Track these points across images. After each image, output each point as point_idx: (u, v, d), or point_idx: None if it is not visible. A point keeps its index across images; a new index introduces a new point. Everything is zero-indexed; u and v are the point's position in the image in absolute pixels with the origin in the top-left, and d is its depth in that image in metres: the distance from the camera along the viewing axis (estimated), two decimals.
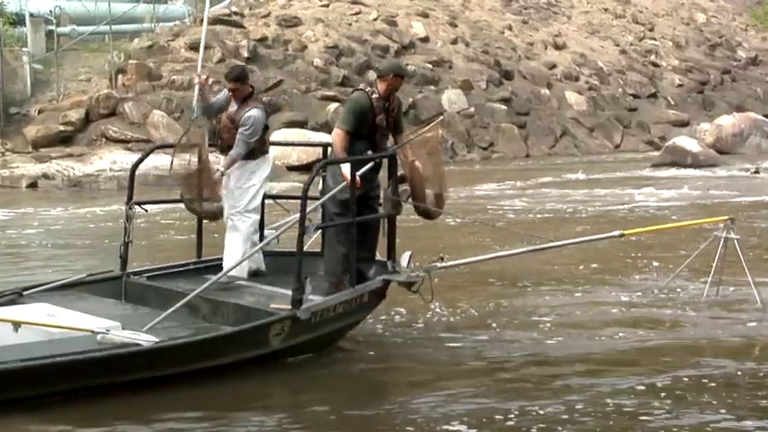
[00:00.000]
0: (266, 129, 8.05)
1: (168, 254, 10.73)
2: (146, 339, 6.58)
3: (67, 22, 31.15)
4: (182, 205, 8.20)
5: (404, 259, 7.76)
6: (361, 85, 7.75)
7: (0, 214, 16.72)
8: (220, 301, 7.52)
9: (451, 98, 30.13)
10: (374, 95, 7.58)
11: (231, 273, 7.82)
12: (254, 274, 8.12)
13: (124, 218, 8.10)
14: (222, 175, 8.00)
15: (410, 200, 7.78)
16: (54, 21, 29.92)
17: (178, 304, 7.24)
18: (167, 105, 25.12)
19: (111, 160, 22.78)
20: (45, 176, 21.77)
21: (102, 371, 6.38)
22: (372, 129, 7.62)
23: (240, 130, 7.92)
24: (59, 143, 24.28)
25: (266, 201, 8.40)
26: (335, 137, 7.60)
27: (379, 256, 8.00)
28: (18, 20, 30.21)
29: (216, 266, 8.18)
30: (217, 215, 8.08)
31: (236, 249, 7.92)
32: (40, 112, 25.59)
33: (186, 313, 7.43)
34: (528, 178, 22.68)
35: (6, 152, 24.10)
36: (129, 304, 7.83)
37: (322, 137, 21.47)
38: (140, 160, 8.63)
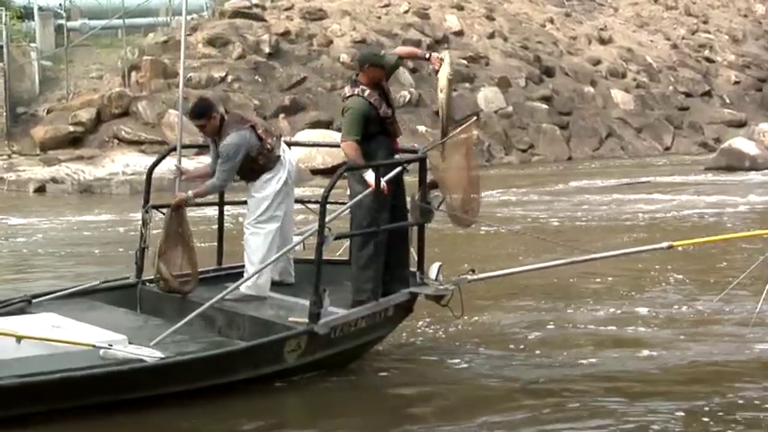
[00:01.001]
0: (261, 140, 7.93)
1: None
2: (150, 355, 6.61)
3: (78, 16, 31.48)
4: (202, 209, 8.25)
5: (432, 271, 7.76)
6: (347, 89, 7.81)
7: (10, 220, 16.89)
8: (236, 313, 7.55)
9: (488, 97, 30.13)
10: (367, 92, 7.67)
11: (248, 291, 7.87)
12: (279, 285, 8.16)
13: (140, 222, 8.17)
14: (192, 198, 8.03)
15: (441, 207, 7.78)
16: (64, 14, 30.24)
17: (184, 320, 7.25)
18: (184, 105, 25.20)
19: (124, 163, 22.96)
20: (53, 180, 21.96)
21: (103, 388, 6.42)
22: (381, 122, 7.74)
23: (218, 161, 7.94)
24: (69, 145, 24.52)
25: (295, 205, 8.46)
26: (348, 150, 7.64)
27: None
28: (26, 14, 30.56)
29: (237, 274, 8.21)
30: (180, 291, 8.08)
31: (249, 265, 7.95)
32: (48, 111, 25.85)
33: (202, 325, 7.48)
34: (570, 183, 22.60)
35: (13, 154, 24.37)
36: (141, 315, 7.88)
37: None
38: (157, 162, 8.66)
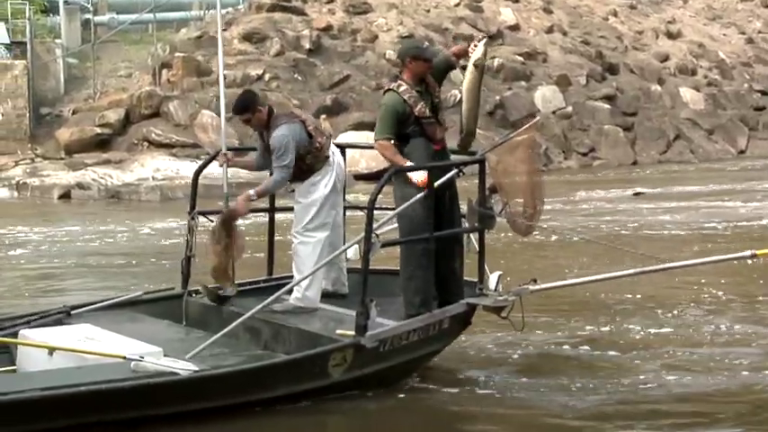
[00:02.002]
0: (311, 137, 7.98)
1: (237, 271, 10.88)
2: (184, 368, 6.68)
3: (106, 10, 31.77)
4: (250, 216, 8.35)
5: (492, 281, 7.77)
6: (384, 81, 7.82)
7: (36, 229, 17.06)
8: (282, 326, 7.60)
9: (546, 96, 30.03)
10: (402, 88, 7.66)
11: (297, 303, 7.92)
12: (332, 296, 8.26)
13: (186, 229, 8.26)
14: (254, 197, 8.08)
15: (502, 213, 7.79)
16: (91, 8, 30.52)
17: (221, 332, 7.33)
18: (218, 105, 25.34)
19: (154, 167, 23.13)
20: (79, 186, 22.15)
21: (132, 402, 6.47)
22: (417, 122, 7.72)
23: (273, 158, 7.98)
24: (95, 148, 24.72)
25: (347, 211, 8.52)
26: (381, 150, 7.66)
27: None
28: (50, 7, 30.88)
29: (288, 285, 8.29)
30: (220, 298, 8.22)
31: (297, 276, 7.99)
32: (74, 112, 26.11)
33: (247, 339, 7.57)
34: (635, 188, 22.46)
35: (36, 158, 24.62)
36: (183, 327, 7.98)
37: None
38: (204, 165, 8.72)
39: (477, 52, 7.60)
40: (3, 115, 25.16)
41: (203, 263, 8.24)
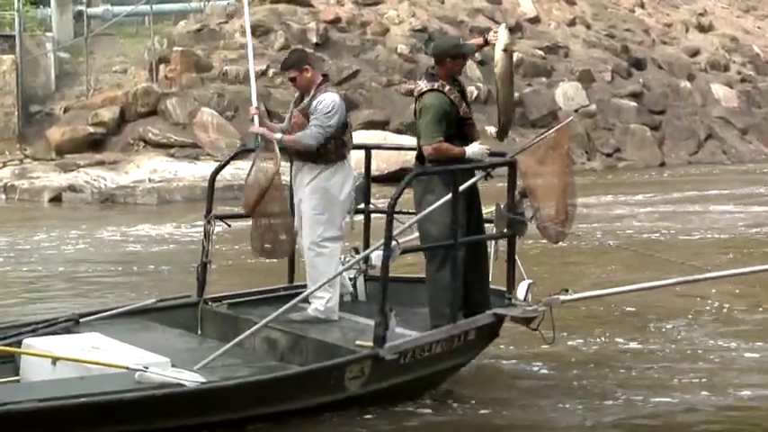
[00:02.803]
0: (345, 126, 8.15)
1: (255, 278, 10.96)
2: (191, 379, 6.69)
3: (100, 2, 31.78)
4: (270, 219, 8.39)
5: (521, 290, 7.80)
6: (422, 83, 7.84)
7: (25, 235, 17.06)
8: (300, 336, 7.65)
9: (568, 93, 29.97)
10: (447, 88, 7.72)
11: (316, 314, 7.97)
12: (346, 304, 8.27)
13: (202, 234, 8.36)
14: (281, 141, 8.10)
15: (533, 219, 7.84)
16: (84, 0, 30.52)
17: (231, 343, 7.38)
18: (219, 102, 25.44)
19: (151, 169, 23.12)
20: (71, 189, 22.15)
21: (134, 415, 6.50)
22: (459, 124, 7.76)
23: (316, 114, 7.99)
24: (88, 148, 24.72)
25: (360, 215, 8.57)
26: (440, 152, 7.68)
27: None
28: None
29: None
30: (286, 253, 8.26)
31: (312, 286, 8.05)
32: (65, 110, 26.11)
33: (264, 350, 7.65)
34: (665, 192, 22.43)
35: (26, 159, 24.62)
36: (195, 336, 8.05)
37: (407, 140, 21.51)
38: (222, 166, 8.88)
39: (501, 38, 7.76)
40: None
41: (220, 269, 8.29)
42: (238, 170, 22.93)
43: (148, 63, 26.96)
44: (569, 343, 9.21)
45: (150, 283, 12.64)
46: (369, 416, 7.25)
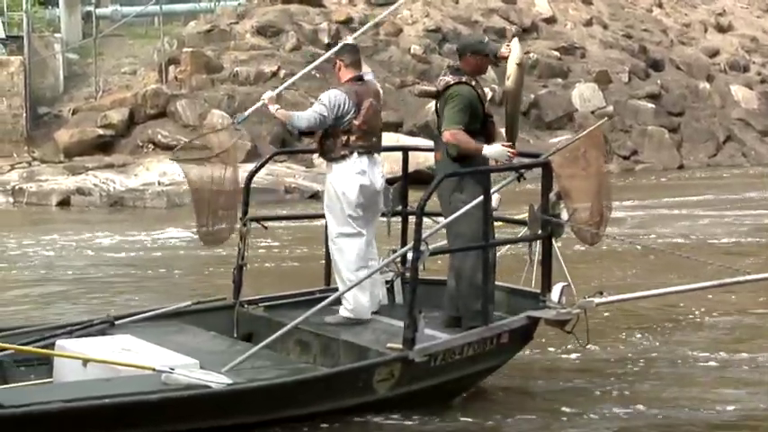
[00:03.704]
0: (349, 128, 8.14)
1: (292, 281, 11.03)
2: (217, 381, 6.76)
3: (109, 2, 31.86)
4: (306, 222, 8.51)
5: (555, 293, 7.82)
6: (449, 77, 7.91)
7: (36, 238, 17.11)
8: (332, 339, 7.74)
9: (584, 94, 29.93)
10: (473, 82, 7.84)
11: (347, 315, 8.06)
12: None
13: (238, 236, 8.41)
14: (274, 113, 8.40)
15: (566, 220, 7.87)
16: (92, 0, 30.59)
17: (260, 345, 7.45)
18: (229, 104, 25.44)
19: (160, 172, 23.13)
20: (79, 192, 22.20)
21: (162, 416, 6.58)
22: (484, 120, 7.90)
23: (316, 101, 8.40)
24: (97, 151, 24.77)
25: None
26: (458, 136, 7.78)
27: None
28: None
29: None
30: (220, 239, 8.43)
31: (341, 285, 8.15)
32: (74, 112, 26.16)
33: (297, 352, 7.76)
34: (685, 195, 22.37)
35: (33, 162, 24.67)
36: (228, 339, 8.09)
37: (421, 142, 21.49)
38: (258, 169, 8.93)
39: (515, 51, 7.80)
40: None
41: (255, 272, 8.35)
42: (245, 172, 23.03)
43: (158, 64, 26.99)
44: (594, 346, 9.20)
45: (164, 288, 12.73)
46: (394, 420, 7.26)
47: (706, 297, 11.12)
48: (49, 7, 30.76)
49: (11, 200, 22.53)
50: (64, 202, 21.92)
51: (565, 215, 7.90)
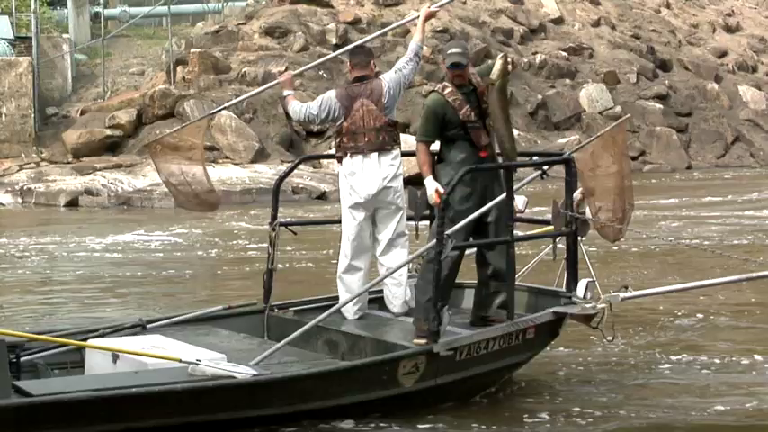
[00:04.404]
0: (340, 130, 8.28)
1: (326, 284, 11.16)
2: (243, 372, 6.87)
3: (117, 3, 31.98)
4: (338, 227, 8.60)
5: (580, 288, 7.89)
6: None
7: (54, 238, 17.19)
8: (359, 336, 7.84)
9: (592, 95, 29.97)
10: (447, 90, 7.81)
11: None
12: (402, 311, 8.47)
13: (268, 241, 8.53)
14: (283, 96, 8.63)
15: (588, 216, 7.93)
16: (101, 1, 30.71)
17: (286, 340, 7.53)
18: (237, 104, 25.50)
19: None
20: (87, 192, 22.29)
21: (188, 406, 6.70)
22: (463, 126, 7.86)
23: None
24: (105, 151, 24.88)
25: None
26: (417, 152, 7.91)
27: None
28: (57, 0, 31.11)
29: (379, 299, 8.52)
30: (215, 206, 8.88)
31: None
32: (82, 113, 26.27)
33: (326, 351, 7.86)
34: (693, 196, 22.37)
35: (42, 162, 24.77)
36: (258, 340, 8.19)
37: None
38: (287, 174, 9.07)
39: (495, 69, 7.63)
40: (6, 116, 25.34)
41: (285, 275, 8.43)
42: (256, 173, 23.13)
43: (166, 65, 27.09)
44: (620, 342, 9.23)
45: (174, 289, 12.78)
46: (418, 415, 7.36)
47: (723, 297, 11.10)
48: (58, 8, 30.88)
49: (19, 200, 22.67)
50: (72, 203, 22.01)
51: (588, 213, 7.96)
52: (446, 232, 7.29)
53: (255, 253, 14.79)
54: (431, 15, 8.61)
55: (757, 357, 9.15)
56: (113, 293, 12.63)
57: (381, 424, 7.14)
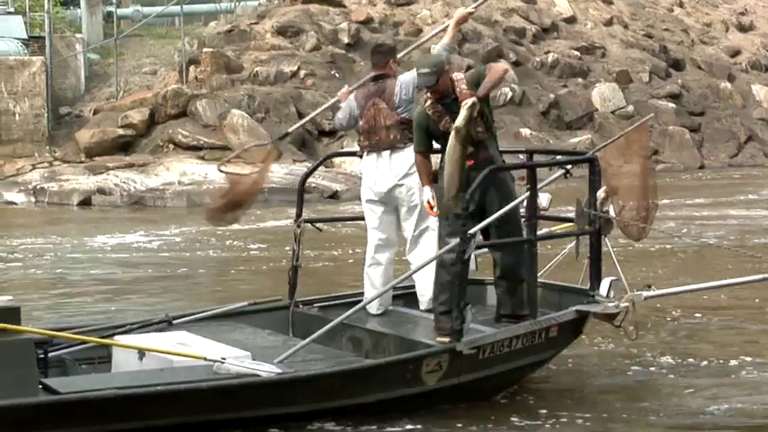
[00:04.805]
0: (358, 131, 8.37)
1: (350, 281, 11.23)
2: (268, 370, 6.95)
3: (130, 2, 32.08)
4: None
5: (603, 287, 7.92)
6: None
7: (66, 238, 17.25)
8: (382, 334, 7.92)
9: (604, 94, 29.95)
10: (428, 102, 7.85)
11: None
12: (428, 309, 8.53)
13: (292, 238, 8.59)
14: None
15: (612, 215, 7.98)
16: (114, 0, 30.80)
17: (311, 338, 7.59)
18: (249, 104, 25.58)
19: (181, 171, 23.30)
20: (100, 191, 22.37)
21: (212, 404, 6.79)
22: (444, 137, 7.87)
23: None
24: (118, 150, 24.95)
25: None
26: (416, 159, 8.01)
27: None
28: None
29: (404, 295, 8.61)
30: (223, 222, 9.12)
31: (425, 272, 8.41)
32: (95, 112, 26.36)
33: (350, 348, 7.94)
34: (714, 196, 22.31)
35: (55, 161, 24.87)
36: (283, 336, 8.27)
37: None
38: (311, 171, 9.21)
39: (459, 116, 7.54)
40: (19, 115, 25.43)
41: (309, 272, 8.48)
42: (269, 173, 23.14)
43: (178, 64, 27.16)
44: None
45: (189, 287, 12.85)
46: (440, 414, 7.42)
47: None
48: (71, 8, 30.99)
49: (32, 199, 22.77)
50: (85, 202, 22.09)
51: (612, 211, 8.01)
52: (469, 231, 7.34)
53: (265, 253, 14.84)
54: (464, 19, 8.61)
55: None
56: (130, 292, 12.70)
57: (402, 422, 7.20)
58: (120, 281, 13.46)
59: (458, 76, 7.86)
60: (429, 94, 7.87)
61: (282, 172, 22.94)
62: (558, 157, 8.32)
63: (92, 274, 13.94)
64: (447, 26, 8.51)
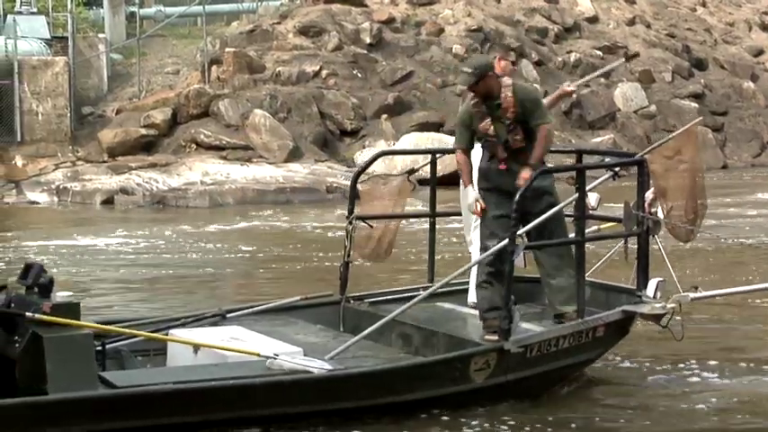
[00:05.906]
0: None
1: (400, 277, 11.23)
2: (319, 367, 7.07)
3: (152, 2, 32.15)
4: (413, 220, 8.77)
5: (650, 287, 7.94)
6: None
7: (98, 238, 17.29)
8: (432, 331, 7.98)
9: (627, 94, 29.88)
10: (473, 101, 7.89)
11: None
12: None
13: (344, 234, 8.71)
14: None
15: (661, 217, 8.01)
16: (136, 0, 30.88)
17: (361, 335, 7.69)
18: (271, 104, 25.61)
19: (203, 171, 23.34)
20: (123, 191, 22.43)
21: (265, 400, 6.90)
22: (483, 139, 7.97)
23: None
24: (140, 150, 25.01)
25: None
26: (457, 161, 8.04)
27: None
28: (93, 0, 31.31)
29: (450, 292, 8.70)
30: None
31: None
32: (117, 112, 26.43)
33: (400, 345, 8.04)
34: (730, 195, 22.25)
35: (78, 161, 24.93)
36: (334, 332, 8.40)
37: None
38: (364, 168, 9.14)
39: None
40: (42, 115, 25.50)
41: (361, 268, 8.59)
42: (291, 173, 23.18)
43: (201, 64, 27.22)
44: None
45: (216, 287, 12.91)
46: (486, 411, 7.47)
47: None
48: (94, 8, 31.07)
49: (55, 199, 22.83)
50: (107, 202, 22.15)
51: (660, 213, 8.04)
52: (518, 232, 7.43)
53: (295, 253, 14.84)
54: (567, 94, 9.12)
55: None
56: (164, 290, 12.75)
57: (450, 419, 7.27)
58: (149, 279, 13.50)
59: (506, 81, 7.87)
60: (473, 94, 7.92)
61: (304, 172, 22.98)
62: (607, 159, 8.38)
63: (119, 274, 13.98)
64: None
